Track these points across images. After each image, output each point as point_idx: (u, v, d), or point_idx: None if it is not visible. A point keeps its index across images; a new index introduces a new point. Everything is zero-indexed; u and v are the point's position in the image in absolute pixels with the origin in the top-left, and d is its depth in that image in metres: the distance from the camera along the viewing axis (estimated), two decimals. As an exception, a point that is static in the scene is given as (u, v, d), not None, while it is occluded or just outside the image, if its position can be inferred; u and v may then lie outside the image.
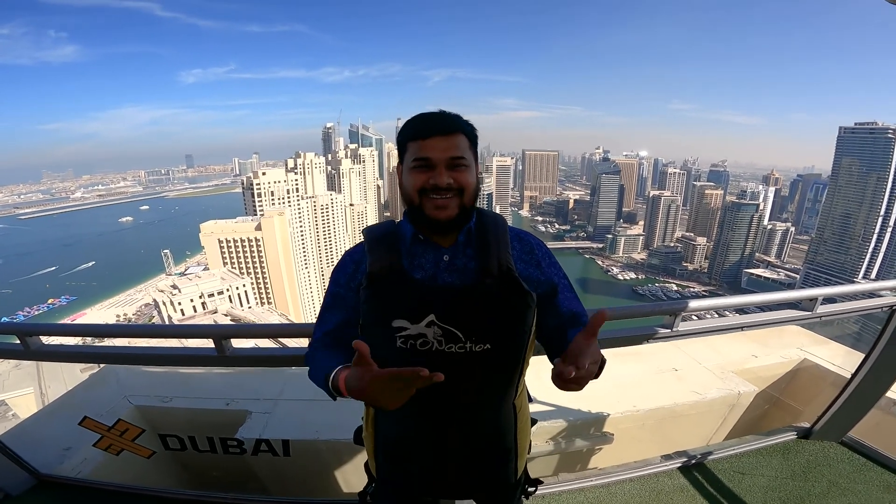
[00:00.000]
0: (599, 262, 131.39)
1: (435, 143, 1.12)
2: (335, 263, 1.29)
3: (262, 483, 2.69)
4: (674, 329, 2.11)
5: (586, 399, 2.72)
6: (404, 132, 1.18)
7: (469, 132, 1.17)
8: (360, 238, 1.28)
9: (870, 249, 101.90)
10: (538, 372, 1.31)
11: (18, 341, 1.94)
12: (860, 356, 2.45)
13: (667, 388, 2.95)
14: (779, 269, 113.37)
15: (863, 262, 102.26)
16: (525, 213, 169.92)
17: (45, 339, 2.02)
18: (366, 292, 1.17)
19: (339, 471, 2.59)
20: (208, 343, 1.93)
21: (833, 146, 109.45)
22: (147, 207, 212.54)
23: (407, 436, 1.27)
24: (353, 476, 2.57)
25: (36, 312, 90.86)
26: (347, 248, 1.28)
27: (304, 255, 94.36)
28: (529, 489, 1.46)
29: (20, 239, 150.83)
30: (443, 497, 1.41)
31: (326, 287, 1.28)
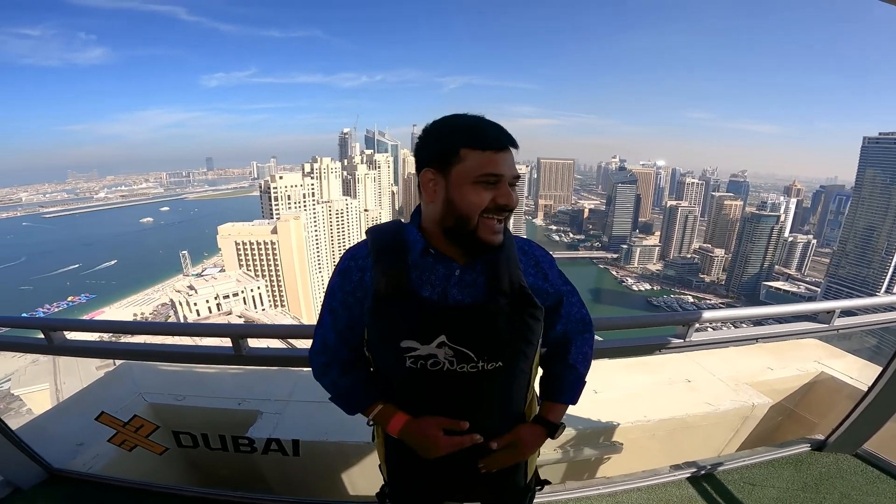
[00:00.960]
0: (614, 273, 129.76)
1: (506, 158, 1.05)
2: (337, 262, 1.22)
3: (267, 483, 2.71)
4: (687, 339, 2.10)
5: (596, 408, 2.70)
6: (461, 136, 1.05)
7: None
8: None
9: (893, 263, 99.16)
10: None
11: (43, 336, 2.01)
12: (878, 369, 2.40)
13: (678, 398, 2.92)
14: (799, 283, 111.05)
15: (885, 275, 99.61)
16: (539, 221, 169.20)
17: (69, 335, 2.09)
18: (371, 311, 1.13)
19: (345, 473, 2.61)
20: (226, 342, 1.98)
21: (857, 157, 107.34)
22: (167, 209, 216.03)
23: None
24: (358, 478, 2.58)
25: (55, 309, 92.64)
26: (350, 248, 1.21)
27: (318, 260, 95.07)
28: (537, 488, 1.47)
29: (43, 237, 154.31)
30: (453, 502, 1.43)
31: (328, 287, 1.22)
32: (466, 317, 1.10)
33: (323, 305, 1.24)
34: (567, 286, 1.28)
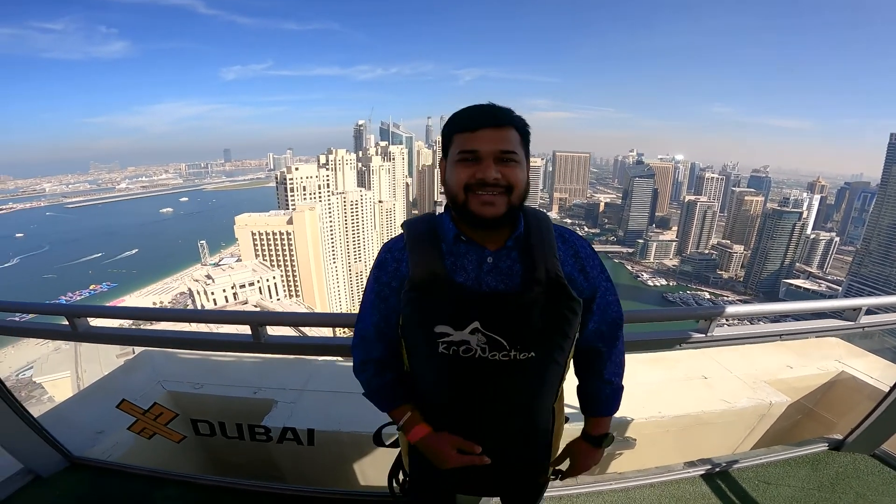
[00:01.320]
0: (629, 268, 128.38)
1: (484, 136, 1.07)
2: (375, 258, 1.25)
3: (281, 472, 2.75)
4: (708, 335, 2.06)
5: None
6: (451, 124, 1.12)
7: (521, 127, 1.11)
8: (388, 235, 1.26)
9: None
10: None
11: (67, 322, 2.05)
12: (900, 370, 2.35)
13: (694, 395, 2.89)
14: (820, 281, 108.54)
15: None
16: (554, 214, 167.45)
17: (92, 322, 2.12)
18: (407, 296, 1.13)
19: (358, 463, 2.63)
20: (245, 329, 2.00)
21: (884, 153, 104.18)
22: (186, 199, 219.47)
23: None
24: (371, 469, 2.61)
25: (78, 297, 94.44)
26: (386, 242, 1.24)
27: (333, 250, 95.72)
28: (552, 477, 1.46)
29: (66, 226, 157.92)
30: (475, 495, 1.44)
31: (367, 281, 1.25)
32: (500, 303, 1.10)
33: (362, 300, 1.27)
34: (606, 282, 1.24)
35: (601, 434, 1.37)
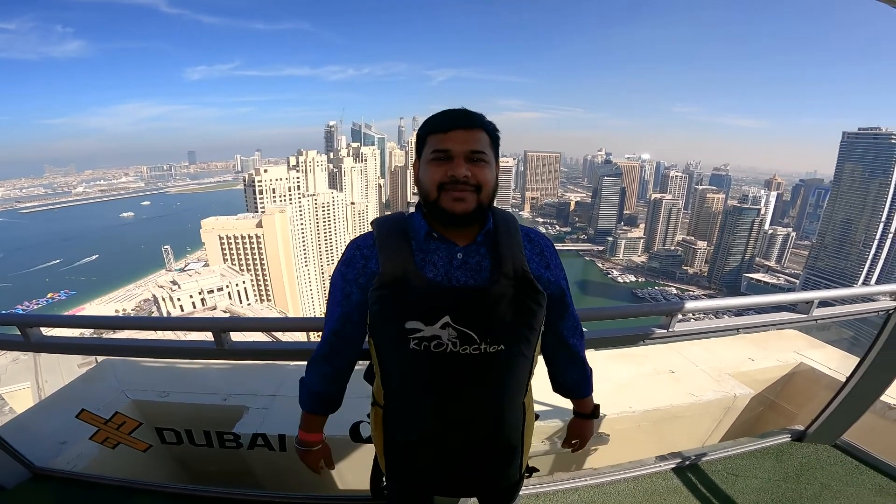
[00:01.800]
0: (599, 265, 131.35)
1: (456, 136, 1.12)
2: (341, 254, 1.26)
3: (256, 479, 2.69)
4: (670, 330, 2.11)
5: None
6: (425, 126, 1.18)
7: (491, 131, 1.17)
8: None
9: (870, 255, 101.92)
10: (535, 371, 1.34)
11: (19, 333, 1.95)
12: (856, 360, 2.45)
13: (663, 389, 2.96)
14: (779, 274, 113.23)
15: (863, 267, 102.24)
16: (526, 214, 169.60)
17: (46, 332, 2.03)
18: (376, 293, 1.14)
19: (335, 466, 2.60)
20: (208, 336, 1.94)
21: (836, 151, 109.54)
22: (148, 203, 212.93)
23: (419, 437, 1.26)
24: (347, 472, 2.57)
25: (35, 307, 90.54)
26: (354, 239, 1.26)
27: (305, 253, 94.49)
28: (526, 475, 1.48)
29: (20, 233, 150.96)
30: (451, 496, 1.44)
31: (332, 279, 1.26)
32: (470, 297, 1.13)
33: (328, 298, 1.29)
34: (565, 280, 1.32)
35: (592, 408, 1.56)
